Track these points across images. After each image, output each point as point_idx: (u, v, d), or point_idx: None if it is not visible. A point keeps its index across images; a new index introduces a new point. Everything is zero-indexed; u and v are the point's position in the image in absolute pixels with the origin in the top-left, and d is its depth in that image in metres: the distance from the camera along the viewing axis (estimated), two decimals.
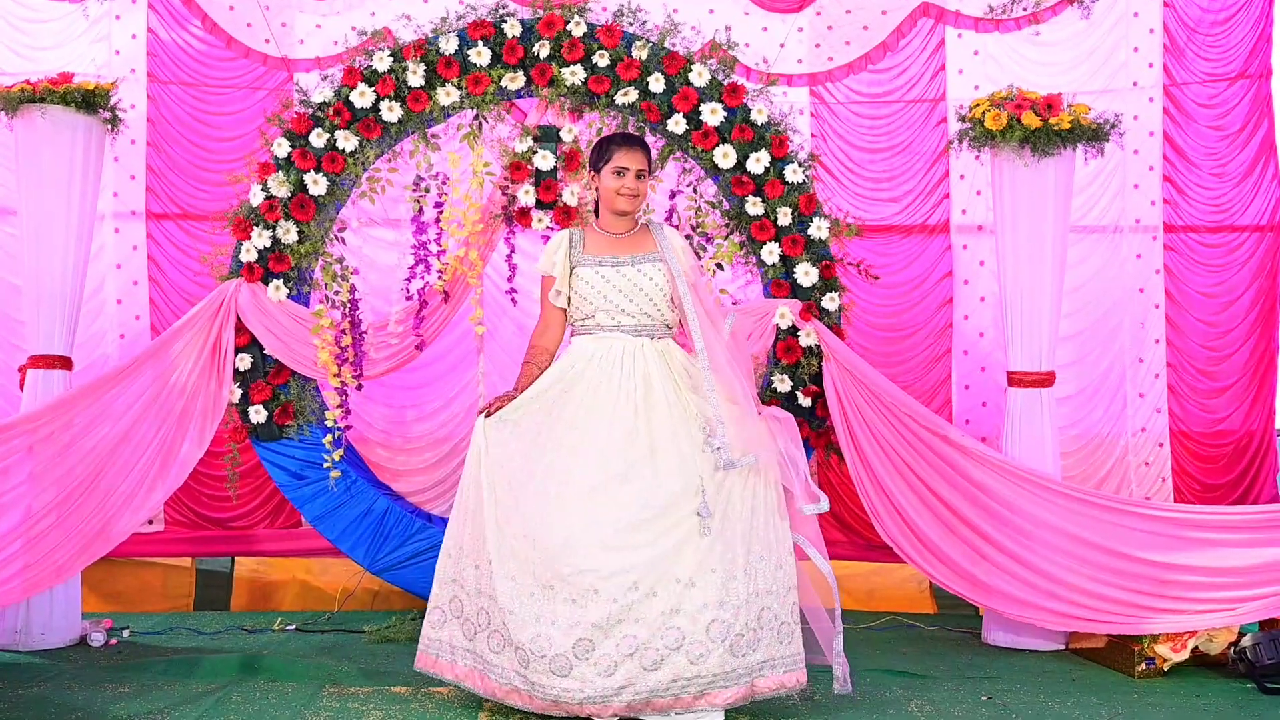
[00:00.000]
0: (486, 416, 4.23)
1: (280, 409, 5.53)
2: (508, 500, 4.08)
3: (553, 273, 4.34)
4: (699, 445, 4.10)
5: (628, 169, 4.28)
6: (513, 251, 5.70)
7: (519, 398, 4.25)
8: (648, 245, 4.34)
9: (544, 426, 4.16)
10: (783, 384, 5.50)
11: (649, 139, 5.56)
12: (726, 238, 5.60)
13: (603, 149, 4.36)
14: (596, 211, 4.47)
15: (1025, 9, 6.49)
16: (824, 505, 4.22)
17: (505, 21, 5.49)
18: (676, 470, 4.04)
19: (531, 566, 3.97)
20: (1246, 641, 4.72)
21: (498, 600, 3.99)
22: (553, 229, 5.58)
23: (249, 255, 5.46)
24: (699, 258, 5.57)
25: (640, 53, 5.46)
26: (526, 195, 5.54)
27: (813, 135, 6.55)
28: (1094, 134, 5.35)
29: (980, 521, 5.14)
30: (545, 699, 3.89)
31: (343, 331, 5.47)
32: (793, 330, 5.50)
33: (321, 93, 5.51)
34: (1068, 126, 5.25)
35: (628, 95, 5.45)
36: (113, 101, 5.39)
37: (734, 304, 5.73)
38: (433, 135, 5.59)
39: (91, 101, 5.30)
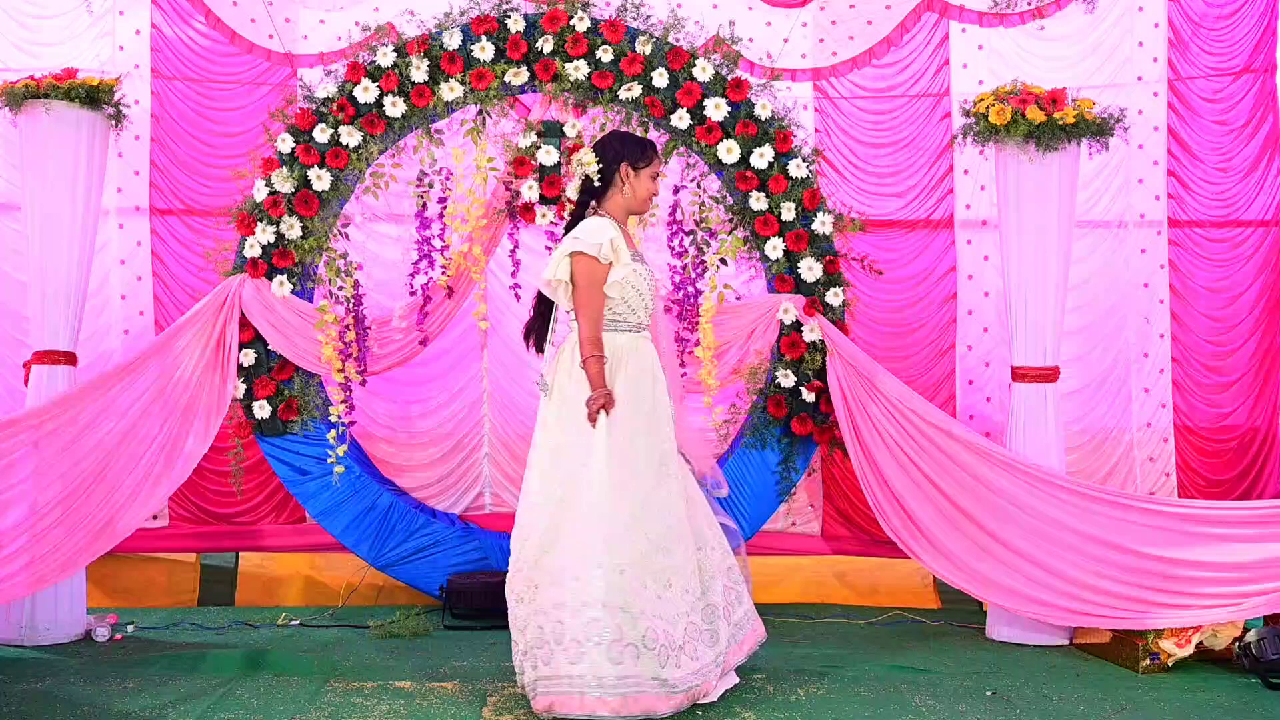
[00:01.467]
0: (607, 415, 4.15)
1: (284, 404, 5.54)
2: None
3: (617, 256, 4.25)
4: None
5: (658, 175, 4.43)
6: (516, 247, 5.70)
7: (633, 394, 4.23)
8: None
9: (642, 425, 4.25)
10: (787, 379, 5.50)
11: (652, 134, 5.57)
12: (730, 233, 5.60)
13: (643, 149, 4.37)
14: (596, 198, 4.38)
15: (1029, 3, 6.48)
16: (724, 491, 4.60)
17: (509, 17, 5.49)
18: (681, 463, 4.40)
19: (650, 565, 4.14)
20: (1251, 636, 4.72)
21: (643, 604, 4.04)
22: (556, 224, 5.57)
23: (253, 251, 5.47)
24: (702, 253, 5.58)
25: (644, 48, 5.45)
26: (530, 190, 5.54)
27: (816, 130, 6.53)
28: (1098, 129, 5.34)
29: (984, 517, 5.14)
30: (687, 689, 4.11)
31: (346, 327, 5.48)
32: (797, 325, 5.50)
33: (325, 88, 5.51)
34: (1072, 121, 5.24)
35: (631, 90, 5.45)
36: (117, 97, 5.39)
37: (738, 299, 5.73)
38: (436, 130, 5.59)
39: (95, 97, 5.30)
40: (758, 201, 5.48)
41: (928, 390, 6.33)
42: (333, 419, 5.56)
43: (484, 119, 5.55)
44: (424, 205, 5.57)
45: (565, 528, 4.09)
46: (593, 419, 4.12)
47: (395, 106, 5.45)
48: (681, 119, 5.45)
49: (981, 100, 5.41)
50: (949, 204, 6.59)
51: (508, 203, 5.62)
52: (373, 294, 5.95)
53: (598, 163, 4.32)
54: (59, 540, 4.97)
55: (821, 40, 6.59)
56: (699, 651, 4.13)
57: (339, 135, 5.45)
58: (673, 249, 5.62)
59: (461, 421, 6.53)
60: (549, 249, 5.60)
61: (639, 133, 5.55)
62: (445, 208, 5.55)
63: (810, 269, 5.49)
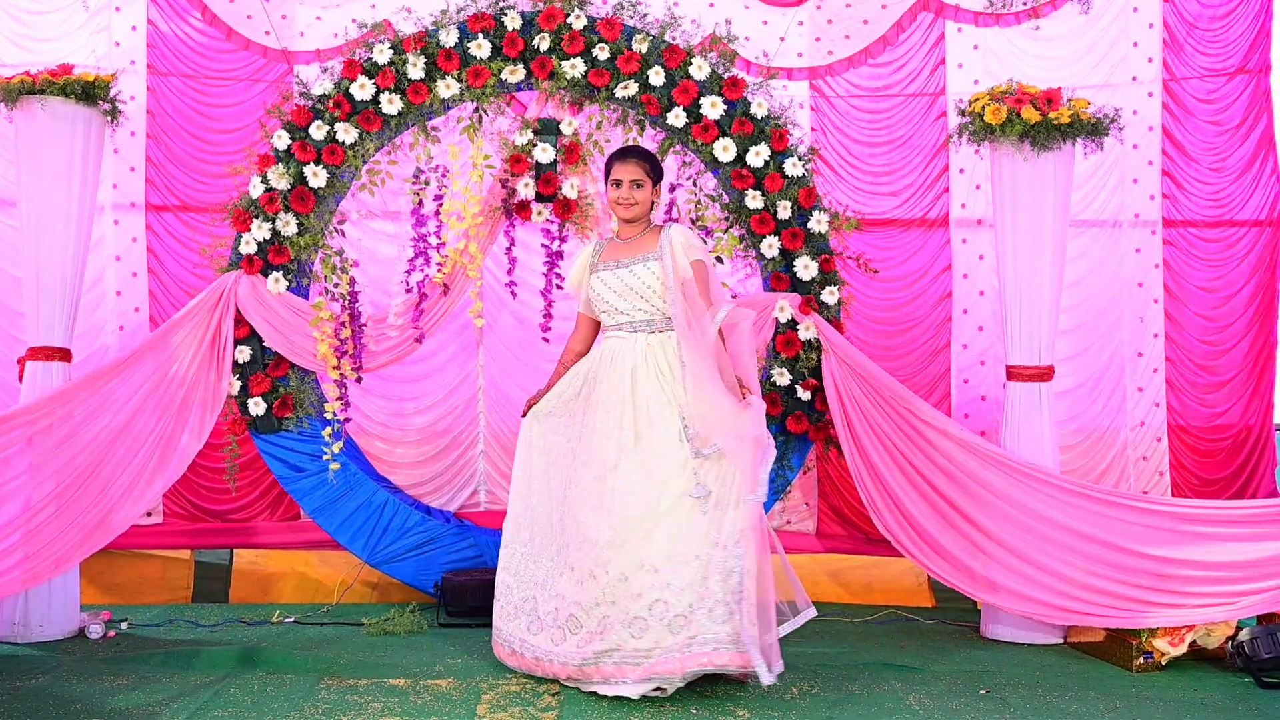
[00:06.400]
0: (524, 416, 4.77)
1: (279, 401, 5.53)
2: (559, 492, 4.58)
3: (573, 281, 4.78)
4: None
5: (621, 180, 4.60)
6: (512, 244, 5.70)
7: (550, 393, 4.73)
8: (650, 246, 4.58)
9: (574, 421, 4.62)
10: (782, 378, 5.51)
11: (649, 132, 5.57)
12: (726, 231, 5.60)
13: (606, 166, 4.72)
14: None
15: (1025, 3, 6.50)
16: (761, 495, 4.32)
17: (505, 14, 5.49)
18: (661, 456, 4.33)
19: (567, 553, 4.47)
20: (1244, 636, 4.73)
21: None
22: (552, 222, 5.60)
23: (248, 247, 5.46)
24: None
25: (640, 46, 5.45)
26: (526, 188, 5.55)
27: (812, 129, 6.54)
28: (1093, 128, 5.35)
29: (978, 515, 5.14)
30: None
31: (342, 324, 5.48)
32: (792, 324, 5.50)
33: (321, 85, 5.51)
34: (1067, 121, 5.25)
35: (628, 88, 5.45)
36: (112, 93, 5.38)
37: (733, 297, 5.73)
38: (433, 128, 5.59)
39: (91, 93, 5.29)
40: (754, 200, 5.49)
41: (923, 388, 6.35)
42: (328, 416, 5.56)
43: (480, 116, 5.55)
44: (420, 202, 5.56)
45: None
46: (522, 415, 4.86)
47: (392, 104, 5.44)
48: (678, 117, 5.46)
49: (977, 99, 5.41)
50: (944, 203, 6.61)
51: (504, 200, 5.62)
52: (368, 291, 5.96)
53: None
54: (53, 536, 4.96)
55: (818, 39, 6.60)
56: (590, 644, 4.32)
57: (335, 132, 5.45)
58: None
59: (457, 418, 6.54)
60: (545, 246, 5.62)
61: (635, 131, 5.57)
62: (441, 205, 5.55)
63: (806, 267, 5.49)
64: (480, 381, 6.54)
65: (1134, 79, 6.60)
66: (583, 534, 4.37)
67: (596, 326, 4.78)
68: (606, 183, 4.68)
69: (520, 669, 4.55)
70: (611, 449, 4.40)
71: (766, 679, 4.10)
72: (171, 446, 5.30)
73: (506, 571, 4.64)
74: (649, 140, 5.57)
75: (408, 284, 5.62)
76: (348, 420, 5.64)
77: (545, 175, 5.52)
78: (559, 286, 5.57)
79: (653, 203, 4.67)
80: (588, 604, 4.29)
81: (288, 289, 5.49)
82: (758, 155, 5.45)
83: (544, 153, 5.50)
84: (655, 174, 4.66)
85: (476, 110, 5.54)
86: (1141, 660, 4.82)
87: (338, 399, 5.53)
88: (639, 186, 4.58)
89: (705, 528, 4.20)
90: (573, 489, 4.48)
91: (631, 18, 5.53)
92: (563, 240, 5.63)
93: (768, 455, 4.26)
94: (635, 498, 4.30)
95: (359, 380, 5.64)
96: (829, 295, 5.52)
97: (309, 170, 5.44)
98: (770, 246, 5.50)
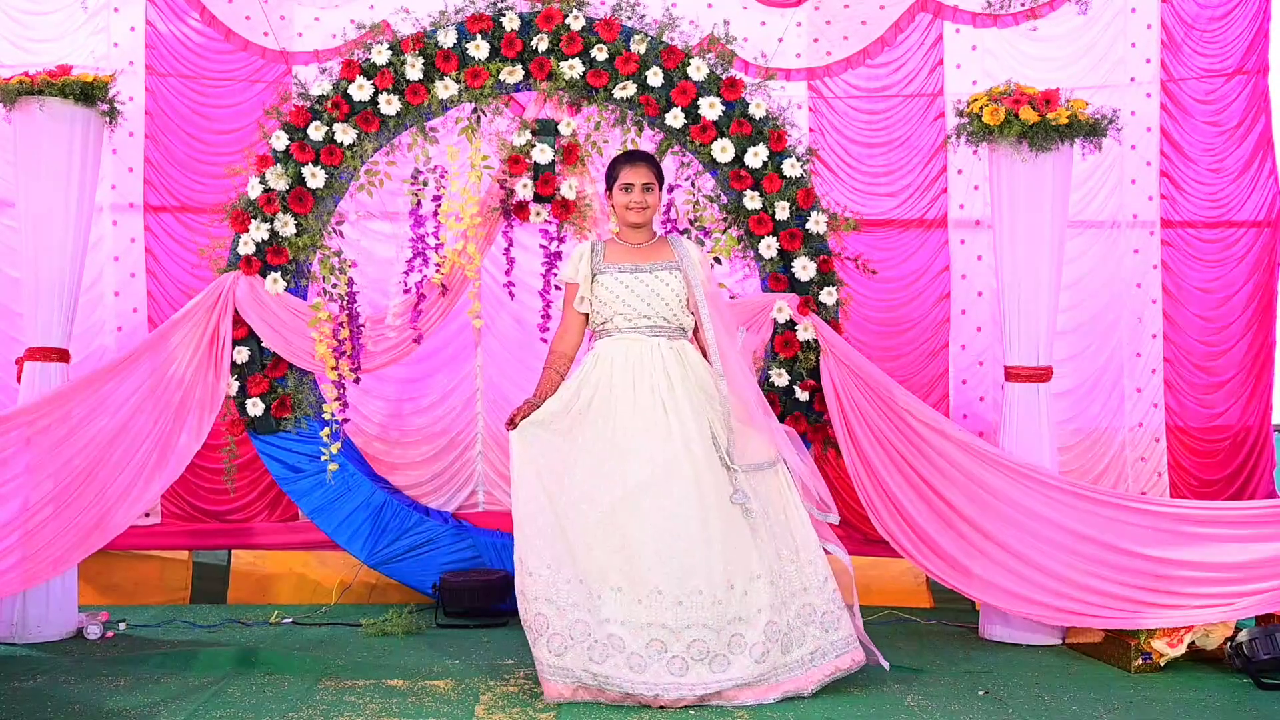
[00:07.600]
0: (512, 428, 4.41)
1: (278, 402, 5.53)
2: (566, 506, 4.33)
3: (576, 279, 4.58)
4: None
5: (633, 184, 4.55)
6: (510, 245, 5.70)
7: (545, 405, 4.45)
8: (666, 254, 4.57)
9: (585, 432, 4.39)
10: (780, 378, 5.51)
11: (647, 133, 5.57)
12: (724, 232, 5.60)
13: (611, 169, 4.63)
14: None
15: (1023, 4, 6.50)
16: (833, 517, 4.52)
17: (504, 15, 5.49)
18: (714, 465, 4.34)
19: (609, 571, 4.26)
20: (1243, 636, 4.72)
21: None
22: (550, 222, 5.59)
23: (247, 248, 5.47)
24: None
25: (639, 47, 5.45)
26: (524, 189, 5.55)
27: (811, 129, 6.54)
28: (1092, 129, 5.35)
29: (977, 516, 5.14)
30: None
31: (340, 324, 5.47)
32: (790, 324, 5.50)
33: (320, 86, 5.51)
34: (1065, 122, 5.25)
35: (626, 89, 5.45)
36: (111, 94, 5.38)
37: (732, 298, 5.73)
38: (431, 129, 5.59)
39: (90, 94, 5.29)
40: (752, 200, 5.49)
41: (921, 389, 6.35)
42: (326, 417, 5.56)
43: (479, 117, 5.55)
44: (418, 203, 5.56)
45: None
46: (506, 426, 4.56)
47: (390, 104, 5.45)
48: (676, 118, 5.46)
49: (975, 100, 5.41)
50: (943, 204, 6.61)
51: (502, 201, 5.62)
52: (367, 291, 5.95)
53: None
54: (51, 537, 4.96)
55: (816, 40, 6.60)
56: (690, 669, 4.24)
57: (334, 133, 5.45)
58: None
59: (456, 418, 6.54)
60: (543, 247, 5.62)
61: (634, 132, 5.57)
62: (439, 206, 5.55)
63: (804, 268, 5.49)
64: (479, 382, 6.54)
65: (1132, 80, 6.60)
66: (637, 545, 4.19)
67: (584, 326, 4.65)
68: (611, 187, 4.59)
69: (603, 703, 4.21)
70: (660, 451, 4.28)
71: (887, 665, 4.58)
72: (170, 447, 5.30)
73: (540, 601, 4.21)
74: (647, 141, 5.57)
75: (406, 285, 5.62)
76: (346, 421, 5.64)
77: (543, 176, 5.52)
78: (558, 287, 5.57)
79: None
80: (676, 626, 4.15)
81: (286, 289, 5.49)
82: (756, 156, 5.45)
83: (542, 153, 5.50)
84: (661, 178, 4.68)
85: (475, 111, 5.55)
86: (1140, 661, 4.82)
87: (336, 400, 5.53)
88: (649, 190, 4.57)
89: (783, 546, 4.34)
90: (605, 499, 4.25)
91: (630, 19, 5.53)
92: (561, 241, 5.63)
93: (811, 480, 4.52)
94: (700, 507, 4.24)
95: (357, 381, 5.63)
96: (827, 296, 5.52)
97: (307, 171, 5.44)
98: (768, 247, 5.50)
